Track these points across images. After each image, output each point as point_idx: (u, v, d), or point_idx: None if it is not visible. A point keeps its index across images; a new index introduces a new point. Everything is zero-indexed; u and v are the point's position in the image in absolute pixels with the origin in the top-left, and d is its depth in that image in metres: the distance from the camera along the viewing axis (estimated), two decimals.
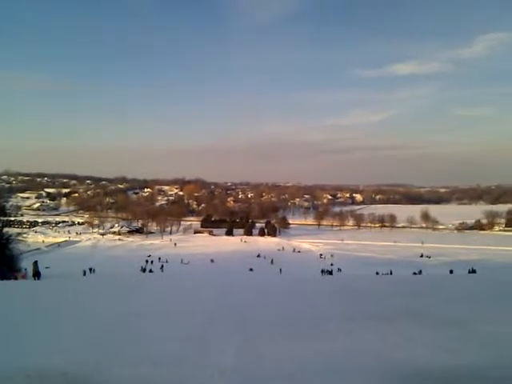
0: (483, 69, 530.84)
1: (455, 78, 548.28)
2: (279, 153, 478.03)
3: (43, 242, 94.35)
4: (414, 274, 35.57)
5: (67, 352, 4.07)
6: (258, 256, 68.48)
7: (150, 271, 41.72)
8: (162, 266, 50.18)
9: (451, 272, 34.29)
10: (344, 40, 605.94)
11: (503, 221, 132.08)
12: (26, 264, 30.38)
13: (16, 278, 22.08)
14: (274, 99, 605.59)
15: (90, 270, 40.21)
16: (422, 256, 71.40)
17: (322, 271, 42.10)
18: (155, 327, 5.47)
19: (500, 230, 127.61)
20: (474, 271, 35.98)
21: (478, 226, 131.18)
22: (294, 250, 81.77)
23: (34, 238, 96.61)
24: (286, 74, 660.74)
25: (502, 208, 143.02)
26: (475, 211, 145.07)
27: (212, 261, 58.65)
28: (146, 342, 4.57)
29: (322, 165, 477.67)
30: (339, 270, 47.13)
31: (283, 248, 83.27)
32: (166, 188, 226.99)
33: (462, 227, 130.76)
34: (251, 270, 50.10)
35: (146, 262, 53.69)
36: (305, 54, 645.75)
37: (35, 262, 23.16)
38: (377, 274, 35.38)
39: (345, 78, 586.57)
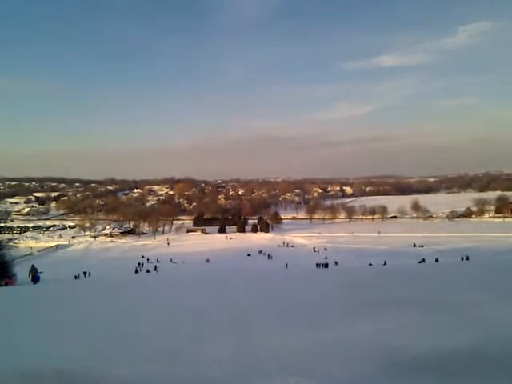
0: (467, 58, 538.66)
1: (439, 68, 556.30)
2: (268, 148, 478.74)
3: (31, 248, 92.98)
4: (420, 262, 35.92)
5: (62, 351, 4.03)
6: (260, 252, 68.99)
7: (147, 271, 41.77)
8: (156, 266, 50.05)
9: (437, 260, 34.56)
10: (327, 34, 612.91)
11: (492, 208, 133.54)
12: (18, 270, 30.20)
13: (6, 284, 21.79)
14: (261, 95, 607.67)
15: (85, 273, 39.87)
16: (414, 246, 72.01)
17: (317, 264, 42.30)
18: (150, 325, 5.43)
19: (490, 217, 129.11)
20: (466, 258, 36.42)
21: (468, 214, 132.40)
22: (287, 245, 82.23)
23: (26, 244, 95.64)
24: (272, 71, 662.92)
25: (491, 195, 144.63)
26: (464, 199, 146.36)
27: (207, 260, 58.38)
28: (140, 340, 4.53)
29: (311, 159, 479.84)
30: (336, 263, 47.10)
31: (283, 243, 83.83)
32: (156, 188, 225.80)
33: (453, 215, 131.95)
34: (248, 255, 50.12)
35: (139, 264, 53.46)
36: (289, 50, 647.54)
37: (32, 266, 23.05)
38: (370, 264, 35.59)
39: (330, 72, 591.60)
